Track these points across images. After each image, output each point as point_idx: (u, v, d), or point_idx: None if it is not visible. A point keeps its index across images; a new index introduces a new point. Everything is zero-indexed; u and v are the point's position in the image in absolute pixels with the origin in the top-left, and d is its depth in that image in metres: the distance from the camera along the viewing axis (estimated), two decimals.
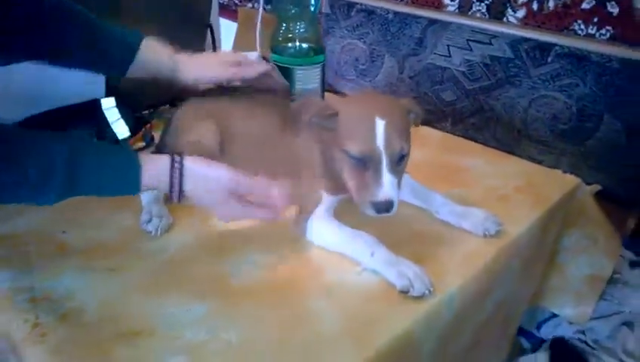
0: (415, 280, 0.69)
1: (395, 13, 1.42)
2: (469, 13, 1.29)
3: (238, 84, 0.93)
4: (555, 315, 1.14)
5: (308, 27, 1.04)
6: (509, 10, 1.22)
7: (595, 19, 1.10)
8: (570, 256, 1.04)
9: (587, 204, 1.01)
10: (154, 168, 0.67)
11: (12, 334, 0.64)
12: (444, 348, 0.76)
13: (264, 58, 1.11)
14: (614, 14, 1.07)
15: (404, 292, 0.69)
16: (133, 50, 0.84)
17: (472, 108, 1.36)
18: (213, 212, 0.74)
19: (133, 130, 1.03)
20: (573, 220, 1.01)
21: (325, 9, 1.58)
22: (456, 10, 1.32)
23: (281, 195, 0.72)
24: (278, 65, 1.02)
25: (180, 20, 1.18)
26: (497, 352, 1.08)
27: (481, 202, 0.89)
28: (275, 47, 1.06)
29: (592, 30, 1.11)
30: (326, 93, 1.15)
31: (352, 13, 1.53)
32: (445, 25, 1.33)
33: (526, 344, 1.21)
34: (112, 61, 0.85)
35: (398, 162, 0.73)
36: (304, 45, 1.05)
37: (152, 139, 1.05)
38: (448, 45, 1.34)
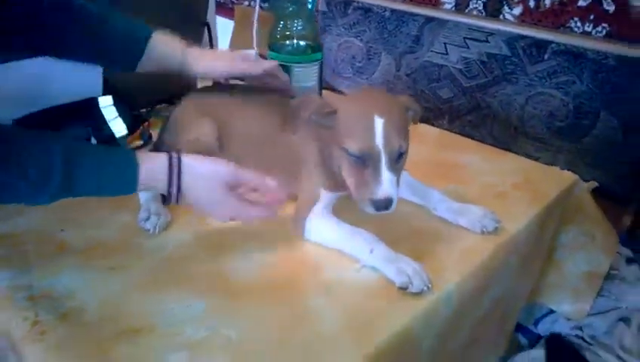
0: (414, 277, 0.69)
1: (392, 11, 1.42)
2: (466, 10, 1.29)
3: (242, 80, 0.92)
4: (552, 311, 1.14)
5: (305, 25, 1.04)
6: (506, 7, 1.23)
7: (592, 17, 1.11)
8: (567, 252, 1.04)
9: (584, 200, 1.02)
10: (152, 166, 0.67)
11: (11, 332, 0.63)
12: (443, 344, 0.77)
13: (261, 56, 1.11)
14: (610, 12, 1.08)
15: (403, 289, 0.69)
16: (141, 45, 0.84)
17: (468, 106, 1.36)
18: (211, 213, 0.74)
19: (131, 128, 1.02)
20: (570, 217, 1.02)
21: (322, 7, 1.58)
22: (453, 8, 1.32)
23: (277, 187, 0.73)
24: None
25: (177, 18, 1.17)
26: (495, 348, 1.09)
27: (479, 199, 0.89)
28: (272, 45, 1.05)
29: (588, 27, 1.12)
30: (323, 91, 1.15)
31: (349, 11, 1.53)
32: (442, 22, 1.33)
33: (523, 340, 1.22)
34: (118, 56, 0.85)
35: (397, 160, 0.73)
36: (302, 43, 1.05)
37: (150, 137, 1.05)
38: (445, 43, 1.35)
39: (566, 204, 1.00)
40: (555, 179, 1.00)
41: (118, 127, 1.01)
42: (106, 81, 1.02)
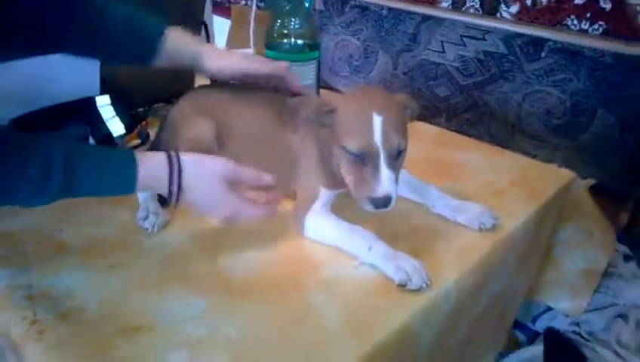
0: (413, 274, 0.70)
1: (389, 9, 1.43)
2: (463, 9, 1.30)
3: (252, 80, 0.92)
4: (550, 309, 1.14)
5: (303, 23, 1.04)
6: (503, 5, 1.23)
7: (588, 15, 1.11)
8: (565, 249, 1.04)
9: (582, 197, 1.02)
10: (151, 165, 0.67)
11: (10, 332, 0.63)
12: (441, 341, 0.77)
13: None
14: (607, 9, 1.08)
15: (402, 286, 0.69)
16: (153, 43, 0.83)
17: (466, 104, 1.36)
18: (210, 212, 0.74)
19: (129, 127, 1.02)
20: (568, 214, 1.02)
21: (319, 5, 1.59)
22: (450, 6, 1.32)
23: (273, 182, 0.74)
24: None
25: (174, 18, 1.17)
26: (493, 345, 1.09)
27: (477, 196, 0.89)
28: (269, 44, 1.06)
29: (585, 25, 1.12)
30: (321, 90, 1.15)
31: (346, 10, 1.53)
32: (439, 21, 1.34)
33: (522, 337, 1.22)
34: (131, 53, 0.85)
35: (396, 157, 0.73)
36: (299, 41, 1.05)
37: (148, 136, 1.05)
38: (442, 41, 1.35)
39: (564, 202, 1.00)
40: (552, 177, 1.00)
41: (116, 126, 1.01)
42: (103, 81, 1.02)
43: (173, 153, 0.69)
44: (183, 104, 0.93)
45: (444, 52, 1.36)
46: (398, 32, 1.43)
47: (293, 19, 1.04)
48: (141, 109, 1.16)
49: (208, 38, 1.30)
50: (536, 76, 1.21)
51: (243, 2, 1.88)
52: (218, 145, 0.86)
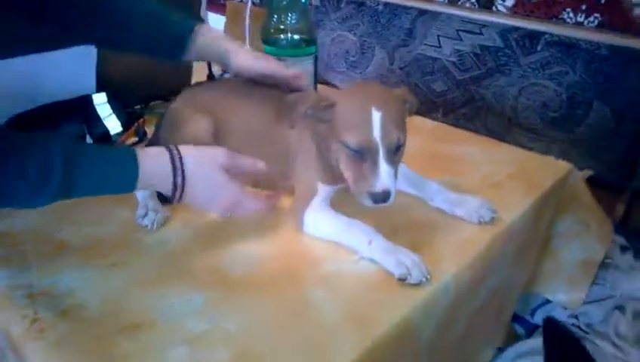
0: (413, 268, 0.70)
1: (385, 5, 1.43)
2: (459, 3, 1.30)
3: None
4: (548, 301, 1.15)
5: (299, 18, 1.04)
6: None
7: (584, 7, 1.11)
8: (563, 241, 1.05)
9: (579, 189, 1.03)
10: (152, 159, 0.68)
11: (11, 330, 0.63)
12: (441, 335, 0.77)
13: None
14: (602, 2, 1.09)
15: (402, 280, 0.70)
16: (184, 39, 0.85)
17: (462, 98, 1.37)
18: (212, 203, 0.74)
19: (126, 125, 1.02)
20: (565, 206, 1.02)
21: (315, 1, 1.58)
22: (446, 1, 1.32)
23: (266, 169, 0.76)
24: None
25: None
26: (492, 339, 1.10)
27: (475, 189, 0.89)
28: (266, 39, 1.05)
29: (580, 18, 1.12)
30: (318, 86, 1.15)
31: (342, 5, 1.53)
32: (435, 15, 1.34)
33: (520, 330, 1.23)
34: (164, 48, 0.86)
35: (395, 152, 0.73)
36: (296, 36, 1.04)
37: (145, 134, 1.05)
38: (438, 35, 1.35)
39: (561, 193, 1.01)
40: (549, 169, 1.00)
41: (113, 124, 1.01)
42: (99, 78, 1.02)
43: (172, 147, 0.70)
44: (181, 101, 0.93)
45: (440, 47, 1.36)
46: (394, 27, 1.43)
47: (290, 14, 1.03)
48: (138, 107, 1.15)
49: None
50: (532, 69, 1.21)
51: None
52: (216, 142, 0.86)
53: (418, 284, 0.70)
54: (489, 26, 1.25)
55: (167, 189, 0.69)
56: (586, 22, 1.12)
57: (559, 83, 1.18)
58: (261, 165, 0.76)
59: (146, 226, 0.80)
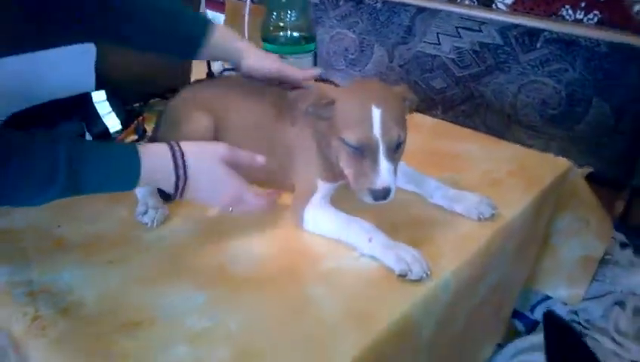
0: (413, 264, 0.70)
1: (384, 2, 1.42)
2: (458, 0, 1.30)
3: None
4: (548, 297, 1.15)
5: (299, 15, 1.04)
6: None
7: (583, 4, 1.11)
8: (562, 238, 1.05)
9: (579, 186, 1.03)
10: (154, 154, 0.68)
11: (12, 328, 0.63)
12: (442, 331, 0.77)
13: None
14: None
15: (403, 276, 0.70)
16: (199, 39, 0.85)
17: (462, 96, 1.37)
18: (214, 196, 0.75)
19: (125, 123, 1.02)
20: (565, 203, 1.02)
21: None
22: None
23: (265, 162, 0.76)
24: None
25: None
26: (492, 335, 1.10)
27: (475, 186, 0.89)
28: (265, 36, 1.05)
29: (580, 15, 1.12)
30: (318, 83, 1.15)
31: (341, 3, 1.53)
32: (434, 12, 1.34)
33: (520, 326, 1.23)
34: (173, 49, 0.88)
35: (395, 149, 0.73)
36: (295, 34, 1.04)
37: (145, 131, 1.05)
38: (437, 33, 1.35)
39: (561, 190, 1.01)
40: (549, 166, 1.00)
41: (112, 122, 1.01)
42: (98, 76, 1.02)
43: (174, 143, 0.70)
44: (181, 99, 0.92)
45: (439, 44, 1.36)
46: (393, 24, 1.43)
47: (289, 12, 1.03)
48: (137, 105, 1.15)
49: None
50: (531, 67, 1.21)
51: None
52: (216, 140, 0.86)
53: (419, 280, 0.70)
54: (488, 24, 1.25)
55: (169, 185, 0.69)
56: (585, 19, 1.12)
57: (559, 80, 1.18)
58: (260, 159, 0.76)
59: (146, 224, 0.80)
